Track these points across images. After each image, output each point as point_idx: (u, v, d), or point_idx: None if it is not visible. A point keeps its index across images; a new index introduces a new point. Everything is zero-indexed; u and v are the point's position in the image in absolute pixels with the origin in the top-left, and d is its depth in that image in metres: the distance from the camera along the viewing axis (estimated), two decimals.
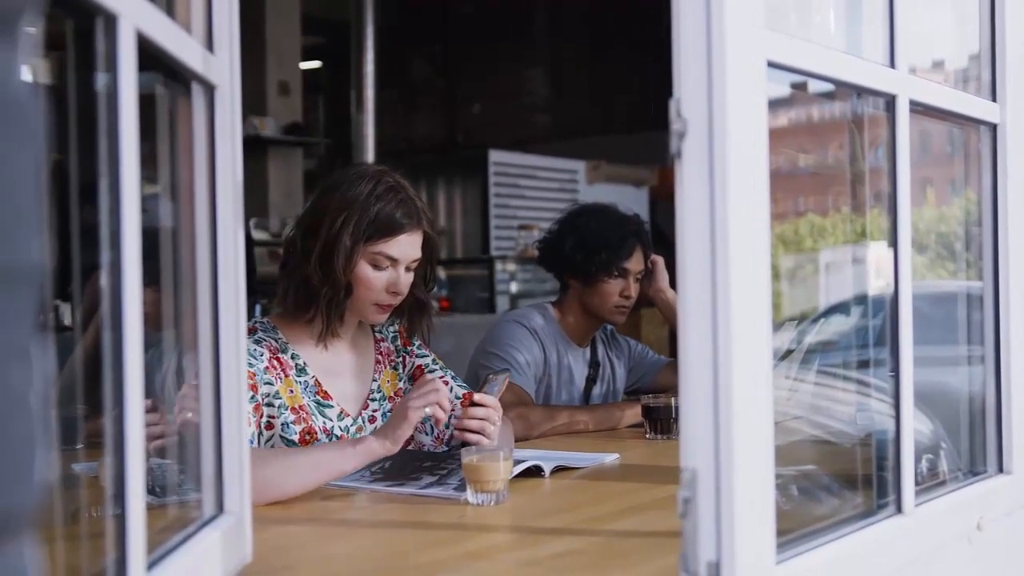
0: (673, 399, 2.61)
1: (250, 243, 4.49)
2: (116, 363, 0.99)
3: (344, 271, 2.13)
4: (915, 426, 1.54)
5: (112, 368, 0.99)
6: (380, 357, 2.34)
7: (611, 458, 2.31)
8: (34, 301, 0.58)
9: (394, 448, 1.96)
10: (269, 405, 2.09)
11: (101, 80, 1.00)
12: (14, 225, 0.55)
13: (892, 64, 1.49)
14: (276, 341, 2.18)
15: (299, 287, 2.17)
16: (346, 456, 1.96)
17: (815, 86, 1.54)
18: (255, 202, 7.21)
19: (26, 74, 0.58)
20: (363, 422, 2.25)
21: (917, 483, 1.52)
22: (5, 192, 0.55)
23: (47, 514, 0.78)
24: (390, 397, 2.32)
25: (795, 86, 1.45)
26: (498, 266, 7.40)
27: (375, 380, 2.31)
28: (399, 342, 2.39)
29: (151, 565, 1.07)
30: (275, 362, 2.14)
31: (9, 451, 0.55)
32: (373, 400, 2.29)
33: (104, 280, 0.99)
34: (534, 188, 8.13)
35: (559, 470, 2.15)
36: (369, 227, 2.13)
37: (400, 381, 2.35)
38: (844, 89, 1.58)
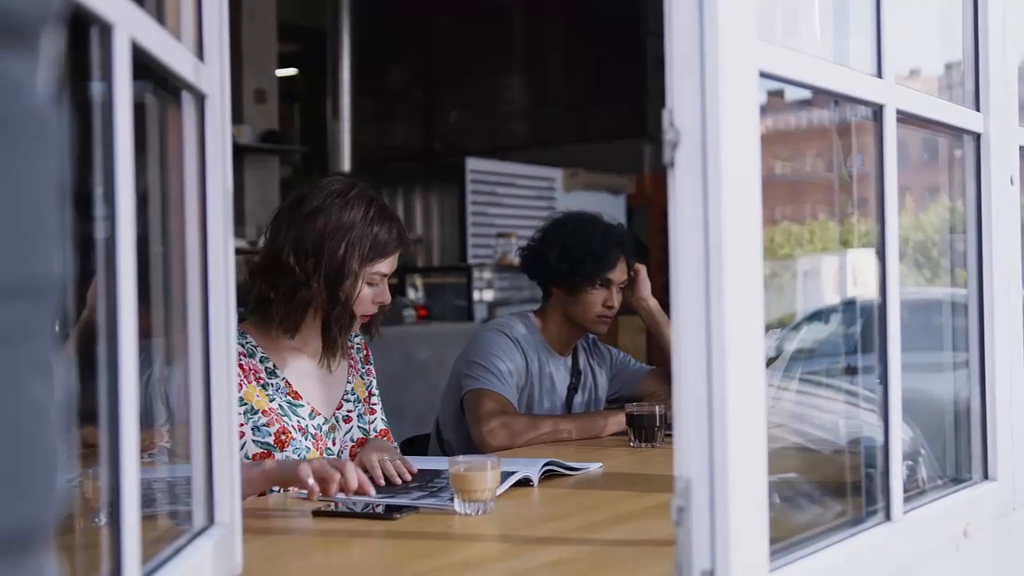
0: (657, 407, 2.62)
1: None
2: (111, 373, 0.98)
3: (351, 295, 2.22)
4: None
5: (107, 379, 0.98)
6: (352, 362, 2.43)
7: (595, 467, 2.32)
8: (54, 314, 0.58)
9: (279, 480, 2.01)
10: None
11: (95, 88, 1.00)
12: (37, 238, 0.55)
13: (879, 74, 1.50)
14: (243, 346, 2.20)
15: (300, 308, 2.22)
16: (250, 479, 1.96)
17: (792, 94, 1.55)
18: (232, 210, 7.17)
19: (47, 85, 0.58)
20: (337, 421, 2.33)
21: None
22: (28, 205, 0.55)
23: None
24: (363, 400, 2.41)
25: (772, 93, 1.46)
26: (476, 274, 7.39)
27: (349, 382, 2.39)
28: (361, 355, 2.47)
29: None
30: (238, 368, 2.15)
31: (33, 465, 0.55)
32: (348, 400, 2.38)
33: (99, 289, 0.98)
34: (512, 196, 8.13)
35: (548, 476, 2.15)
36: (372, 250, 2.23)
37: (365, 389, 2.45)
38: (822, 97, 1.60)
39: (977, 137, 1.80)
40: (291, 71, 10.04)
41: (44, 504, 0.56)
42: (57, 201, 0.58)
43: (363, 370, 2.45)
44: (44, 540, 0.56)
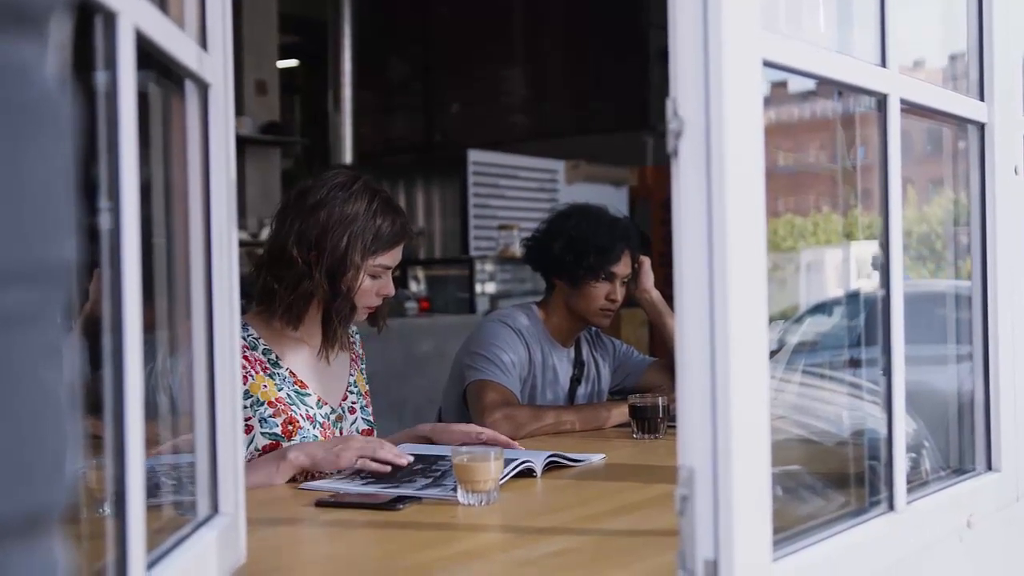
0: (660, 398, 2.62)
1: None
2: (116, 364, 0.98)
3: (352, 287, 2.23)
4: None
5: (112, 369, 0.98)
6: (354, 355, 2.45)
7: (598, 458, 2.32)
8: (64, 299, 0.58)
9: (308, 464, 2.05)
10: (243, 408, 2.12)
11: (100, 77, 1.00)
12: (48, 223, 0.55)
13: (883, 63, 1.50)
14: (245, 339, 2.22)
15: (303, 299, 2.23)
16: (272, 473, 2.04)
17: (795, 85, 1.55)
18: None
19: (56, 70, 0.58)
20: (343, 411, 2.36)
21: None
22: (39, 190, 0.55)
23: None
24: (364, 393, 2.44)
25: (775, 85, 1.45)
26: (478, 266, 7.39)
27: (351, 375, 2.42)
28: (359, 352, 2.50)
29: (150, 565, 1.06)
30: (243, 360, 2.16)
31: (43, 449, 0.55)
32: (352, 393, 2.40)
33: (104, 280, 0.98)
34: (513, 188, 8.12)
35: (551, 468, 2.15)
36: (374, 243, 2.24)
37: (366, 384, 2.47)
38: (826, 88, 1.59)
39: (981, 127, 1.80)
40: (292, 63, 10.03)
41: (54, 488, 0.56)
42: (68, 187, 0.58)
43: (361, 366, 2.49)
44: (54, 524, 0.56)
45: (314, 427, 2.25)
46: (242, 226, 7.16)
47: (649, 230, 7.54)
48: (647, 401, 2.63)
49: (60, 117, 0.58)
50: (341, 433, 2.33)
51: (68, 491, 0.58)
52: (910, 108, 1.57)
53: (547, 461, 2.15)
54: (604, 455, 2.33)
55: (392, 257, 2.29)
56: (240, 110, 7.33)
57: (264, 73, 7.71)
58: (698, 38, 1.15)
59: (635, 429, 2.62)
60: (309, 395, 2.28)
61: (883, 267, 1.52)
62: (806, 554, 1.30)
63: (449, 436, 2.38)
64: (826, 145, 1.95)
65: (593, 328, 3.14)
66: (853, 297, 2.00)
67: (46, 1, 0.56)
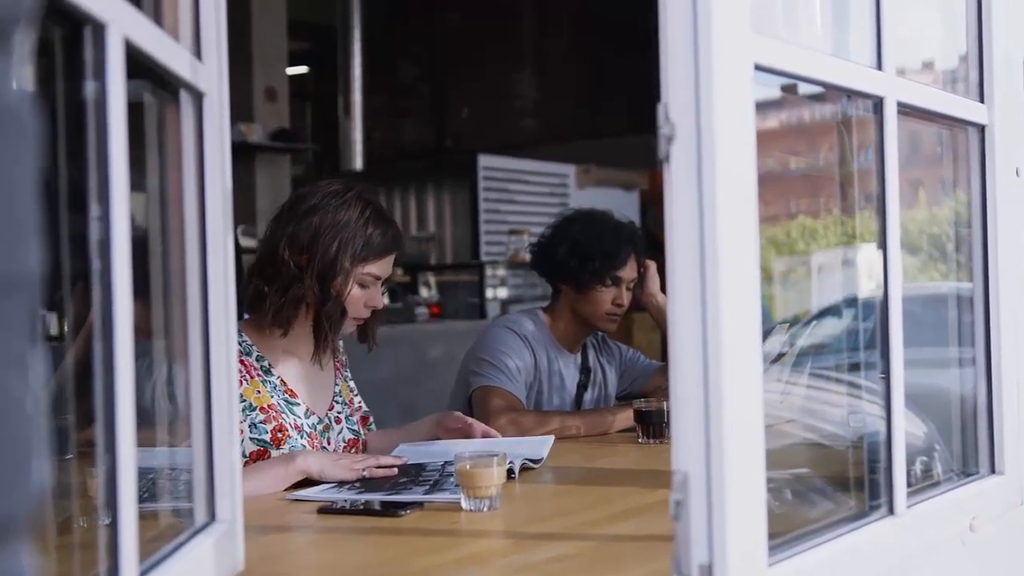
0: (665, 403, 2.61)
1: (238, 251, 4.54)
2: (107, 372, 0.98)
3: (341, 292, 2.25)
4: (909, 429, 1.54)
5: (103, 377, 0.98)
6: (338, 365, 2.47)
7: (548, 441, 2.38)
8: (31, 309, 0.59)
9: (315, 472, 2.07)
10: None
11: (89, 88, 1.00)
12: (13, 233, 0.56)
13: (879, 66, 1.50)
14: (240, 345, 2.23)
15: (293, 304, 2.25)
16: (278, 476, 2.05)
17: (804, 88, 1.55)
18: (243, 209, 7.18)
19: (21, 83, 0.58)
20: (330, 421, 2.38)
21: (910, 485, 1.52)
22: (3, 201, 0.55)
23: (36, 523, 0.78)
24: (348, 403, 2.46)
25: (785, 88, 1.46)
26: (488, 271, 7.39)
27: (336, 384, 2.44)
28: (344, 359, 2.52)
29: (143, 573, 1.06)
30: (238, 364, 2.17)
31: (7, 457, 0.55)
32: (337, 402, 2.42)
33: (94, 289, 0.99)
34: (524, 192, 8.12)
35: (557, 473, 2.17)
36: (364, 249, 2.26)
37: (351, 392, 2.49)
38: (833, 91, 1.59)
39: (982, 129, 1.79)
40: (302, 69, 10.04)
41: (19, 496, 0.57)
42: (34, 197, 0.59)
43: (345, 374, 2.50)
44: (20, 532, 0.57)
45: (301, 437, 2.26)
46: (251, 233, 7.15)
47: (660, 234, 7.51)
48: (652, 405, 2.63)
49: (26, 129, 0.58)
50: (329, 443, 2.34)
51: (34, 499, 0.58)
52: (908, 111, 1.57)
53: (521, 463, 2.18)
54: (551, 437, 2.41)
55: (382, 267, 2.30)
56: (249, 117, 7.33)
57: (274, 80, 7.71)
58: (688, 42, 1.15)
59: (640, 433, 2.62)
60: (298, 404, 2.30)
61: (882, 269, 1.52)
62: (802, 559, 1.29)
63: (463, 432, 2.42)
64: (836, 147, 1.95)
65: (599, 333, 3.14)
66: (864, 300, 1.99)
67: (11, 14, 0.56)
